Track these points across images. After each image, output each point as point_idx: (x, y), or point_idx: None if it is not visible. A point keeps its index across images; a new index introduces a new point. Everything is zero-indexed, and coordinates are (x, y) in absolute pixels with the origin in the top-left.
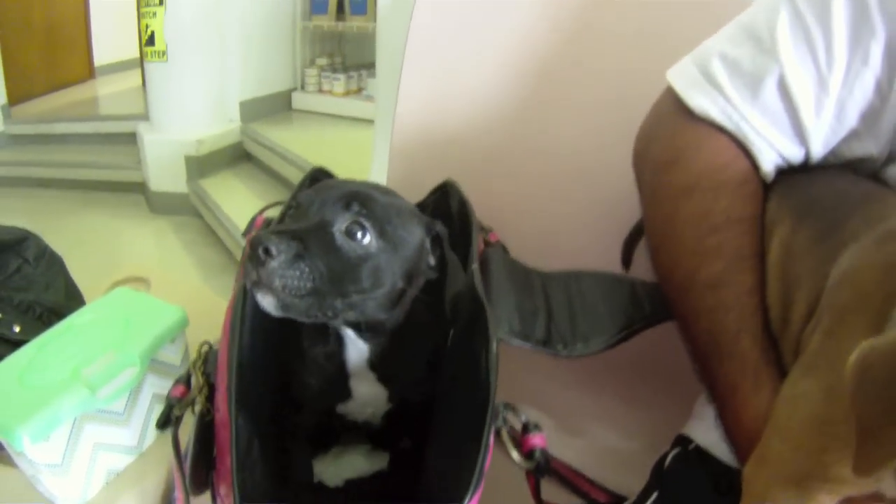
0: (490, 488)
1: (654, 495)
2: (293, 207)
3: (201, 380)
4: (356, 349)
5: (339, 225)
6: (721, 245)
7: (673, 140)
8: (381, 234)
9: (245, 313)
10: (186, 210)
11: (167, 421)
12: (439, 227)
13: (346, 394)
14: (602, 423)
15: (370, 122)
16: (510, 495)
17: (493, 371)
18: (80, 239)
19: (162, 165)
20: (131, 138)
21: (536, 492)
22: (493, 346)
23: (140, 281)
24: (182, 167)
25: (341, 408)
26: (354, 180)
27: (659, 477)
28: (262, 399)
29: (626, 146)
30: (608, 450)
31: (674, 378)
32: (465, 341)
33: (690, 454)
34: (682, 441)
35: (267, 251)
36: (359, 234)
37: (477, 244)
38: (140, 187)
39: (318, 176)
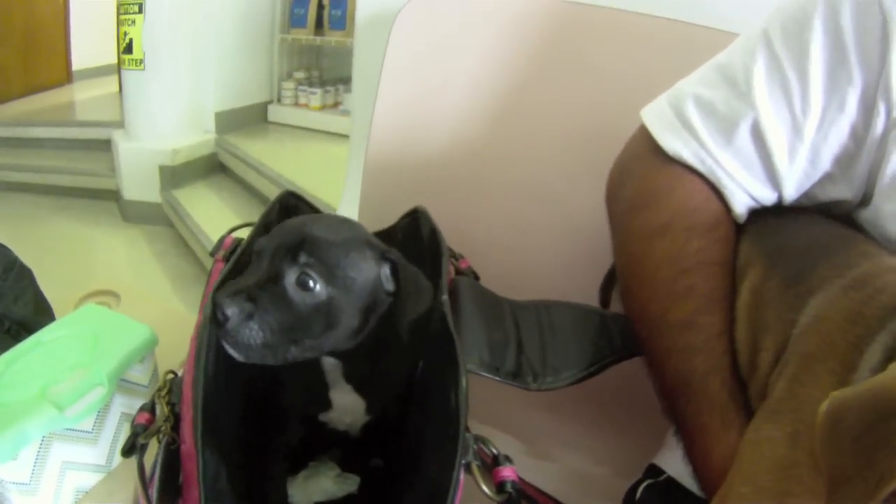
0: None
1: None
2: (253, 253)
3: (166, 410)
4: (329, 363)
5: (290, 277)
6: (692, 287)
7: (646, 181)
8: (330, 280)
9: (211, 342)
10: (159, 220)
11: (132, 448)
12: (393, 255)
13: (326, 404)
14: (573, 449)
15: (346, 136)
16: None
17: (463, 406)
18: (51, 246)
19: (136, 174)
20: (106, 145)
21: None
22: (463, 382)
23: (110, 294)
24: (156, 176)
25: (323, 416)
26: (312, 217)
27: None
28: (229, 428)
29: (599, 177)
30: (578, 475)
31: (645, 405)
32: (435, 372)
33: (661, 485)
34: (654, 471)
35: (223, 314)
36: (309, 284)
37: (447, 273)
38: (113, 195)
39: (288, 200)
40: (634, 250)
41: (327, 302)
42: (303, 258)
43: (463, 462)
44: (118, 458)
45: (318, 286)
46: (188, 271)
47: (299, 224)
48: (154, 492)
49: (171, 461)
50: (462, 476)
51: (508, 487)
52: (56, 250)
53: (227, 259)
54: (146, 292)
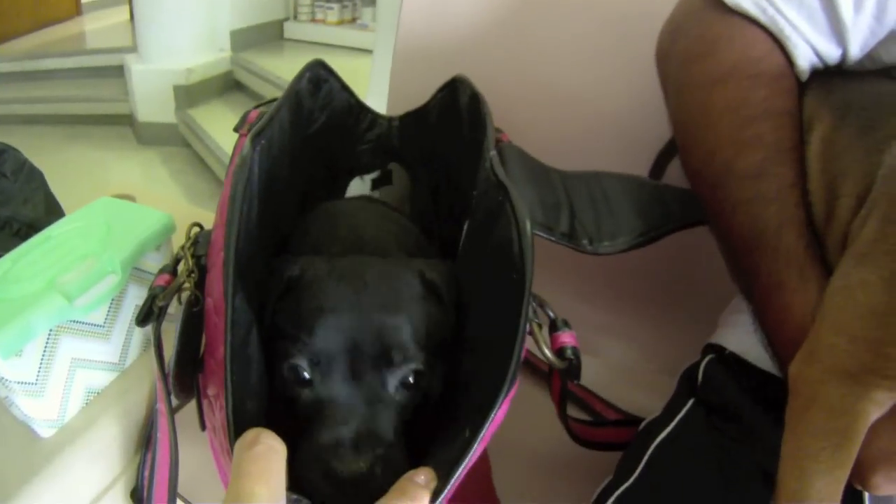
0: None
1: (689, 404)
2: (307, 368)
3: (191, 262)
4: None
5: (391, 387)
6: (760, 136)
7: (704, 32)
8: (422, 358)
9: (247, 189)
10: (174, 140)
11: (149, 314)
12: (430, 275)
13: None
14: (614, 340)
15: (364, 51)
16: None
17: (528, 250)
18: (67, 172)
19: (150, 96)
20: (118, 71)
21: (562, 397)
22: (527, 225)
23: (126, 197)
24: (170, 97)
25: None
26: (356, 282)
27: (692, 386)
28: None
29: (641, 57)
30: (620, 368)
31: (688, 297)
32: (486, 231)
33: (727, 359)
34: (715, 349)
35: (365, 479)
36: (412, 380)
37: (492, 133)
38: (127, 119)
39: (318, 72)
40: (695, 100)
41: (429, 374)
42: (397, 357)
43: (528, 314)
44: (133, 356)
45: (423, 375)
46: (205, 188)
47: (349, 302)
48: (171, 367)
49: (192, 325)
50: (528, 327)
51: (569, 353)
52: (72, 175)
53: (249, 131)
54: (162, 199)
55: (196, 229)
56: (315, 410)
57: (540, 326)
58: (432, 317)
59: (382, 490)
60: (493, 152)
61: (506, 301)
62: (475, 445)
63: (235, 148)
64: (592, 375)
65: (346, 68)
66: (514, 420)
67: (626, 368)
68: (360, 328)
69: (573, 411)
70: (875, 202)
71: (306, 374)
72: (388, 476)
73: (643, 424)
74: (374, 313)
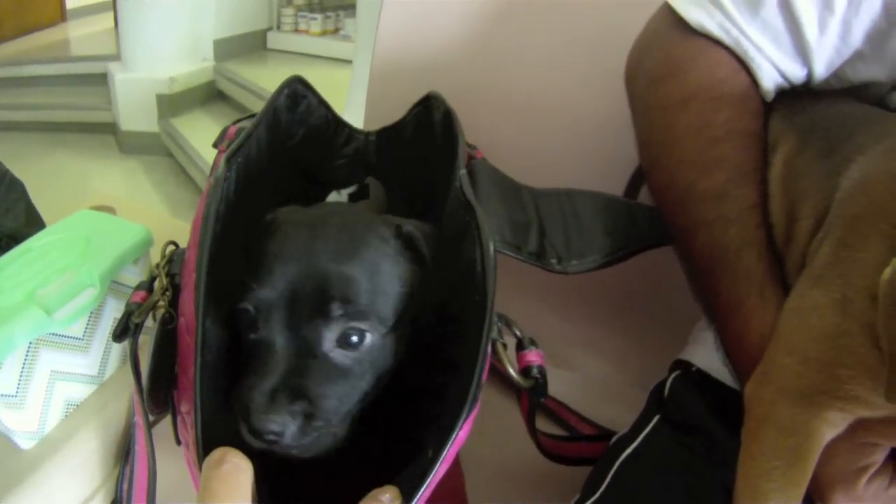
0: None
1: (655, 420)
2: (252, 312)
3: (165, 281)
4: None
5: (328, 343)
6: (722, 157)
7: (668, 53)
8: (374, 316)
9: (220, 207)
10: (157, 149)
11: (125, 331)
12: (408, 226)
13: None
14: (588, 354)
15: (346, 62)
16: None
17: (491, 273)
18: (48, 180)
19: (133, 104)
20: (102, 79)
21: (530, 415)
22: (490, 247)
23: (106, 209)
24: (153, 106)
25: None
26: (310, 226)
27: (659, 401)
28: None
29: (615, 74)
30: (594, 382)
31: (663, 312)
32: (453, 250)
33: (693, 376)
34: (682, 365)
35: (276, 434)
36: (354, 339)
37: (463, 152)
38: (110, 127)
39: (296, 87)
40: (659, 121)
41: (381, 342)
42: (336, 310)
43: (490, 336)
44: (112, 368)
45: (367, 336)
46: (187, 198)
47: (302, 249)
48: (145, 382)
49: (166, 342)
50: (489, 350)
51: (535, 372)
52: (53, 183)
53: (228, 147)
54: (144, 212)
55: (171, 247)
56: (253, 357)
57: (505, 346)
58: (403, 277)
59: (302, 448)
60: (462, 171)
61: (470, 321)
62: (437, 466)
63: (214, 164)
64: (567, 389)
65: (328, 79)
66: (489, 434)
67: (601, 382)
68: (304, 276)
69: (547, 426)
70: (830, 225)
71: (252, 321)
72: (307, 439)
73: (613, 440)
74: (324, 262)
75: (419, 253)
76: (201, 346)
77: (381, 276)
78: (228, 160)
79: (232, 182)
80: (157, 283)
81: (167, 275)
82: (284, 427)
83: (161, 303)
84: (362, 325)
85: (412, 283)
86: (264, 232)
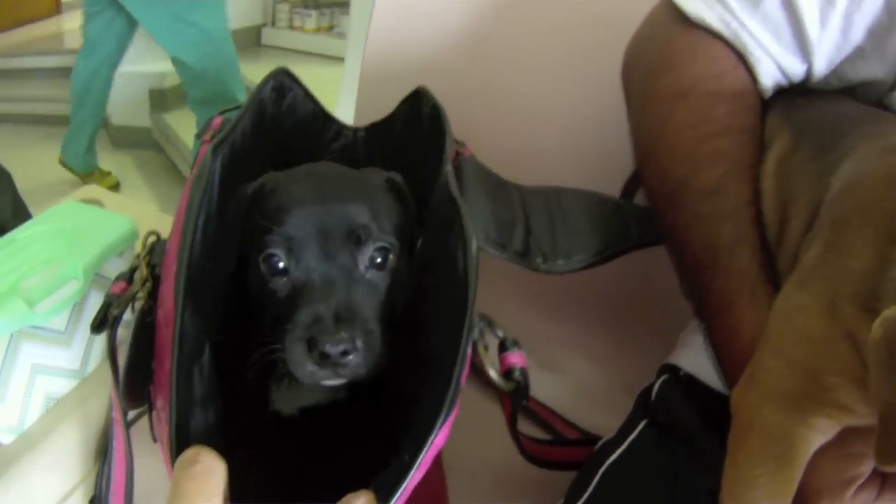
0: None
1: (642, 425)
2: (276, 253)
3: (145, 271)
4: None
5: (362, 265)
6: (718, 152)
7: (666, 45)
8: (392, 241)
9: (204, 199)
10: (148, 145)
11: (104, 321)
12: (395, 176)
13: None
14: (574, 358)
15: (341, 59)
16: (477, 429)
17: (473, 271)
18: (39, 173)
19: (125, 99)
20: None
21: (512, 418)
22: (473, 245)
23: (93, 202)
24: (145, 101)
25: None
26: (315, 177)
27: (646, 406)
28: (215, 303)
29: (613, 68)
30: (581, 386)
31: (652, 316)
32: (436, 246)
33: (681, 380)
34: (670, 369)
35: (349, 352)
36: (380, 259)
37: (450, 147)
38: (102, 121)
39: (282, 79)
40: (655, 113)
41: (398, 265)
42: (363, 236)
43: (471, 337)
44: (94, 363)
45: (389, 256)
46: (178, 194)
47: (314, 193)
48: (121, 374)
49: (144, 335)
50: (469, 351)
51: (517, 375)
52: (44, 178)
53: (212, 139)
54: (133, 202)
55: (153, 238)
56: (293, 298)
57: (486, 348)
58: (396, 210)
59: (362, 367)
60: (448, 167)
61: (451, 320)
62: (413, 470)
63: (197, 155)
64: (553, 393)
65: (322, 76)
66: (472, 436)
67: (588, 386)
68: (326, 213)
69: (532, 429)
70: (819, 227)
71: (281, 264)
72: (368, 355)
73: (599, 444)
74: (338, 201)
75: (405, 199)
76: (179, 339)
77: (384, 210)
78: (214, 150)
79: (217, 173)
80: (137, 274)
81: (147, 265)
82: (354, 344)
83: (140, 294)
84: (385, 245)
85: (405, 222)
86: (259, 196)
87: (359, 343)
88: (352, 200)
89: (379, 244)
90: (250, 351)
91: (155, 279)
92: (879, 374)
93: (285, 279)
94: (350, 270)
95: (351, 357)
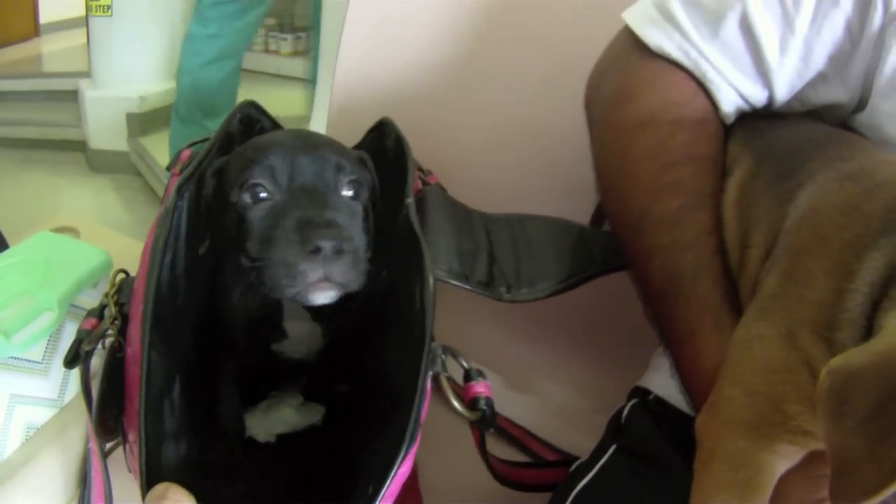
0: (431, 442)
1: (612, 449)
2: (258, 185)
3: (114, 310)
4: None
5: (343, 188)
6: (679, 181)
7: (626, 75)
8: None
9: (170, 239)
10: (127, 168)
11: (76, 357)
12: (362, 152)
13: (280, 335)
14: (551, 380)
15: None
16: (455, 452)
17: (430, 309)
18: (16, 197)
19: (102, 122)
20: (73, 96)
21: (482, 446)
22: (430, 282)
23: (69, 231)
24: (123, 124)
25: (276, 346)
26: (294, 132)
27: (616, 430)
28: (185, 336)
29: (577, 98)
30: (557, 407)
31: (626, 335)
32: (398, 280)
33: (650, 404)
34: (640, 392)
35: (339, 250)
36: (355, 192)
37: (413, 179)
38: (80, 145)
39: (249, 111)
40: (614, 144)
41: (365, 218)
42: (341, 165)
43: (430, 371)
44: (72, 392)
45: (362, 194)
46: None
47: (290, 137)
48: (94, 408)
49: (115, 371)
50: (429, 386)
51: (482, 404)
52: (22, 202)
53: (182, 172)
54: (109, 232)
55: (121, 276)
56: (278, 219)
57: (450, 379)
58: (367, 179)
59: (351, 278)
60: (409, 200)
61: (410, 355)
62: (377, 502)
63: (167, 187)
64: (529, 414)
65: (297, 100)
66: (447, 458)
67: (563, 407)
68: (304, 149)
69: (510, 451)
70: (778, 256)
71: (264, 193)
72: (356, 266)
73: (572, 468)
74: (314, 145)
75: (371, 175)
76: (146, 378)
77: (355, 164)
78: (179, 189)
79: (183, 210)
80: (106, 312)
81: (116, 304)
82: (342, 237)
83: (110, 331)
84: (358, 179)
85: (369, 190)
86: (225, 169)
87: (347, 246)
88: (326, 145)
89: (352, 177)
90: (223, 377)
91: (124, 317)
92: (827, 424)
93: (269, 207)
94: (332, 192)
95: (342, 257)
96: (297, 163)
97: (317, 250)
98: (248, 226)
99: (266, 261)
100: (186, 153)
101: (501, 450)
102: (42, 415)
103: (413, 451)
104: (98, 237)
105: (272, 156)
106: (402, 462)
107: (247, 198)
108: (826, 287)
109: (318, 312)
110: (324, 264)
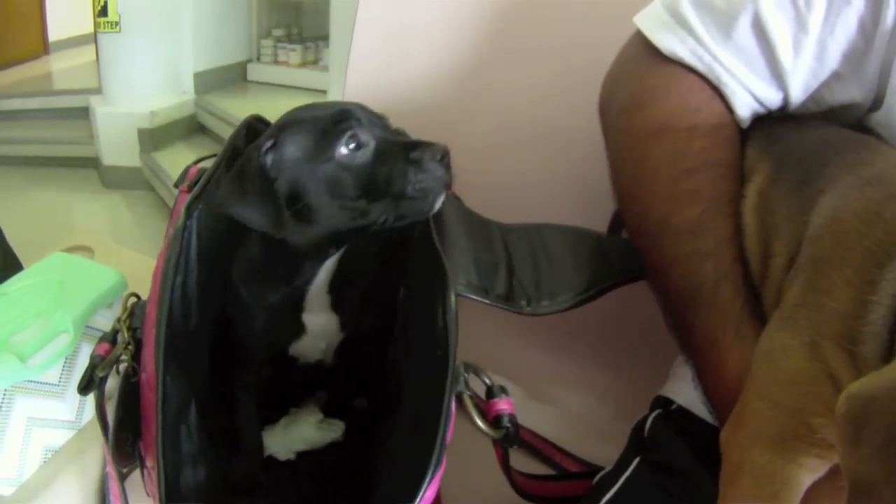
0: (454, 457)
1: (636, 462)
2: (352, 120)
3: (127, 335)
4: (325, 270)
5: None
6: (698, 189)
7: (641, 82)
8: None
9: (181, 259)
10: (139, 184)
11: (90, 383)
12: None
13: (299, 330)
14: (572, 389)
15: (326, 93)
16: (476, 464)
17: (452, 328)
18: (30, 216)
19: (114, 139)
20: (84, 113)
21: (505, 463)
22: (452, 300)
23: (83, 249)
24: (135, 140)
25: (294, 349)
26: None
27: (639, 442)
28: (200, 358)
29: (590, 104)
30: (579, 417)
31: (647, 342)
32: (418, 297)
33: (673, 415)
34: (663, 402)
35: (444, 157)
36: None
37: None
38: (93, 162)
39: (255, 125)
40: (632, 152)
41: None
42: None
43: (454, 392)
44: (89, 413)
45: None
46: None
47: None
48: (111, 435)
49: (130, 396)
50: (454, 406)
51: (505, 422)
52: (36, 219)
53: (191, 189)
54: (123, 250)
55: (133, 300)
56: (388, 155)
57: (472, 397)
58: None
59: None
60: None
61: (433, 373)
62: None
63: (176, 204)
64: (551, 426)
65: None
66: (471, 472)
67: (583, 416)
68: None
69: (532, 463)
70: (801, 265)
71: (364, 136)
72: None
73: (596, 479)
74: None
75: None
76: (162, 404)
77: None
78: (188, 209)
79: (193, 230)
80: (119, 337)
81: (128, 329)
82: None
83: (124, 357)
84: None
85: None
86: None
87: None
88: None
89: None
90: (241, 393)
91: (137, 342)
92: (844, 449)
93: (372, 150)
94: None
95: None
96: (366, 112)
97: (443, 157)
98: (358, 171)
99: (397, 190)
100: (194, 169)
101: (523, 461)
102: (60, 437)
103: (439, 474)
104: (112, 256)
105: (347, 110)
106: (428, 485)
107: (345, 149)
108: (848, 297)
109: (337, 297)
110: (441, 173)
